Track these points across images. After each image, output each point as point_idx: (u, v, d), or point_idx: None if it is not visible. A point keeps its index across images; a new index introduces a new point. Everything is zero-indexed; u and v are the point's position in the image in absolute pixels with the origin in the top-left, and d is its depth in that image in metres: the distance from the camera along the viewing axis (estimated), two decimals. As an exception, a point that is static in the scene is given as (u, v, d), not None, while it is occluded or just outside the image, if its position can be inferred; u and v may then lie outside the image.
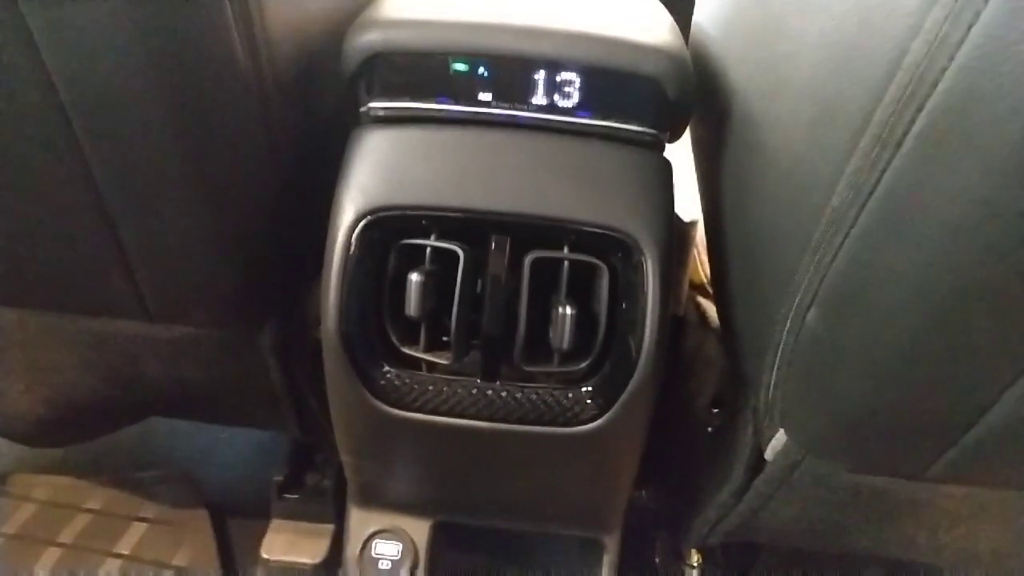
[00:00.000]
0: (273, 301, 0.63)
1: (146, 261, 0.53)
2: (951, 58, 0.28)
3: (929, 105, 0.29)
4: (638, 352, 0.49)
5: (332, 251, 0.49)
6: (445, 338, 0.50)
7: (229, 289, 0.57)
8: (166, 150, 0.46)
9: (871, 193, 0.33)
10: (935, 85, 0.29)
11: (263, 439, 1.06)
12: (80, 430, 0.76)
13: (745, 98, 0.49)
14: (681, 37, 0.52)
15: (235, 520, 0.92)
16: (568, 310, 0.47)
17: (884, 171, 0.32)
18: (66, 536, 0.88)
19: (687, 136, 0.61)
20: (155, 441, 1.06)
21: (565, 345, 0.48)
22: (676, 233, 0.55)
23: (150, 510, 0.92)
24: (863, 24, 0.33)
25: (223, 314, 0.59)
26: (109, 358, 0.63)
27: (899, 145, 0.31)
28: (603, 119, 0.50)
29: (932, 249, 0.32)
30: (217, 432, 1.08)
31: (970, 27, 0.27)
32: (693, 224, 0.75)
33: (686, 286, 0.80)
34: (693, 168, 0.66)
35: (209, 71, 0.44)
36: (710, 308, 0.80)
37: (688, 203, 0.70)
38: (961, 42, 0.28)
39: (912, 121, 0.30)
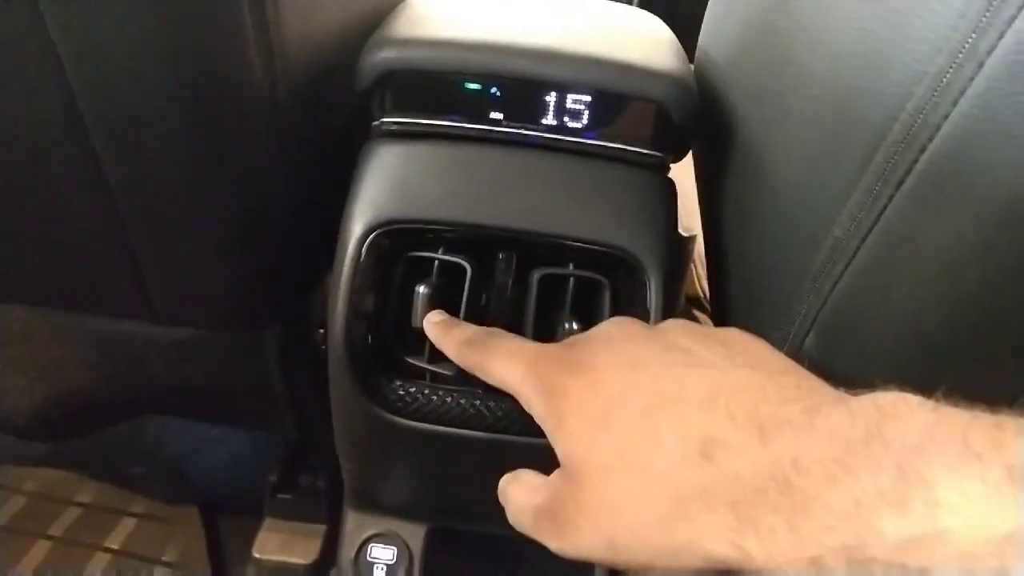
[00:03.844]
0: (279, 307, 0.63)
1: (156, 265, 0.53)
2: (954, 104, 0.29)
3: (931, 148, 0.30)
4: None
5: (341, 262, 0.49)
6: (449, 350, 0.50)
7: (237, 294, 0.57)
8: (181, 161, 0.46)
9: (871, 228, 0.34)
10: (938, 129, 0.30)
11: (255, 436, 1.05)
12: (78, 426, 0.76)
13: (747, 125, 0.50)
14: (687, 61, 0.53)
15: (226, 517, 0.93)
16: (574, 325, 0.48)
17: (885, 208, 0.33)
18: (56, 529, 0.88)
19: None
20: (146, 436, 1.05)
21: None
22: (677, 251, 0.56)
23: (140, 505, 0.92)
24: (867, 67, 0.34)
25: (229, 318, 0.60)
26: (112, 357, 0.64)
27: (900, 184, 0.32)
28: (610, 141, 0.51)
29: (926, 284, 0.33)
30: (208, 429, 1.08)
31: (973, 78, 0.28)
32: (691, 238, 0.76)
33: (682, 299, 0.82)
34: (692, 181, 0.67)
35: (226, 86, 0.45)
36: (705, 322, 0.81)
37: (686, 216, 0.71)
38: (964, 90, 0.29)
39: (914, 162, 0.31)
